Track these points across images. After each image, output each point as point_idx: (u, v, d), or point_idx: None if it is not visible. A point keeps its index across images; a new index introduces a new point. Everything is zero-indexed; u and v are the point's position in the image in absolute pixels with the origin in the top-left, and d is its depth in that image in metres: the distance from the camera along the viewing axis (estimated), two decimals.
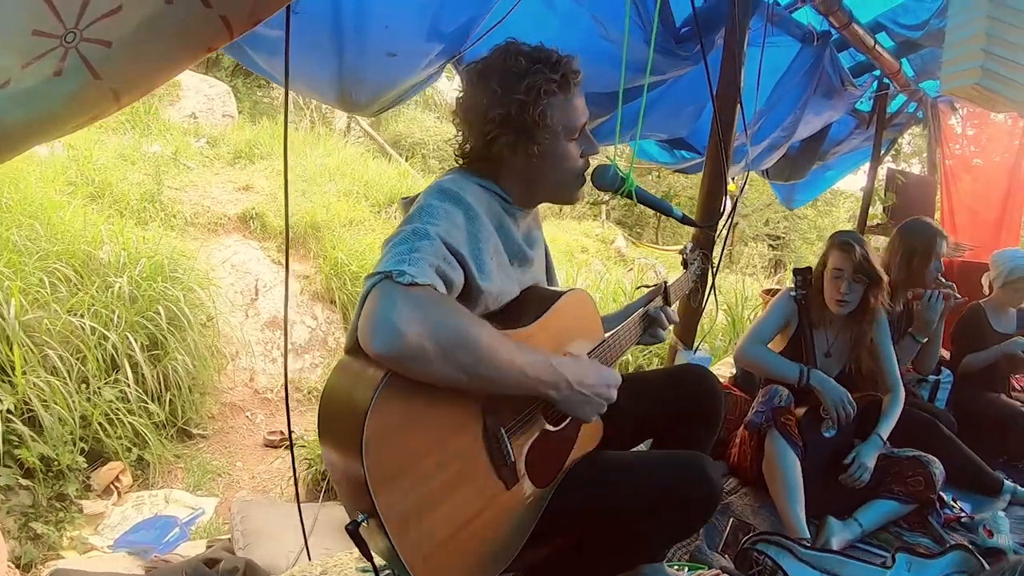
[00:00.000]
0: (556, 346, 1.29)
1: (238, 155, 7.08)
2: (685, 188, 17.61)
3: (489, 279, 1.17)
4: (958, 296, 2.78)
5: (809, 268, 2.43)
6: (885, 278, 2.29)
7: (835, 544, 2.05)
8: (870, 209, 4.52)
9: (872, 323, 2.34)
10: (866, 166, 4.79)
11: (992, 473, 2.59)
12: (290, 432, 1.35)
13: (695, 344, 2.46)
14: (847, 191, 19.14)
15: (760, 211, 18.20)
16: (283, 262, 5.42)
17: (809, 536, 2.01)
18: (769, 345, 2.42)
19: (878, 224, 4.49)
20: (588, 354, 1.34)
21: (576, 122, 1.28)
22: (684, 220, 1.56)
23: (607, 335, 1.44)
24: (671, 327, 1.64)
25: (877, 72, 3.73)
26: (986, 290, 3.25)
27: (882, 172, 4.59)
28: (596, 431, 1.43)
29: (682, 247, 1.88)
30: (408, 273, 0.96)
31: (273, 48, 1.75)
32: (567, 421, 1.29)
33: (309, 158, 7.59)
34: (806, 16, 2.89)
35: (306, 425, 4.18)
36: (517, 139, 1.22)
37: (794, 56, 3.01)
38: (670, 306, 1.66)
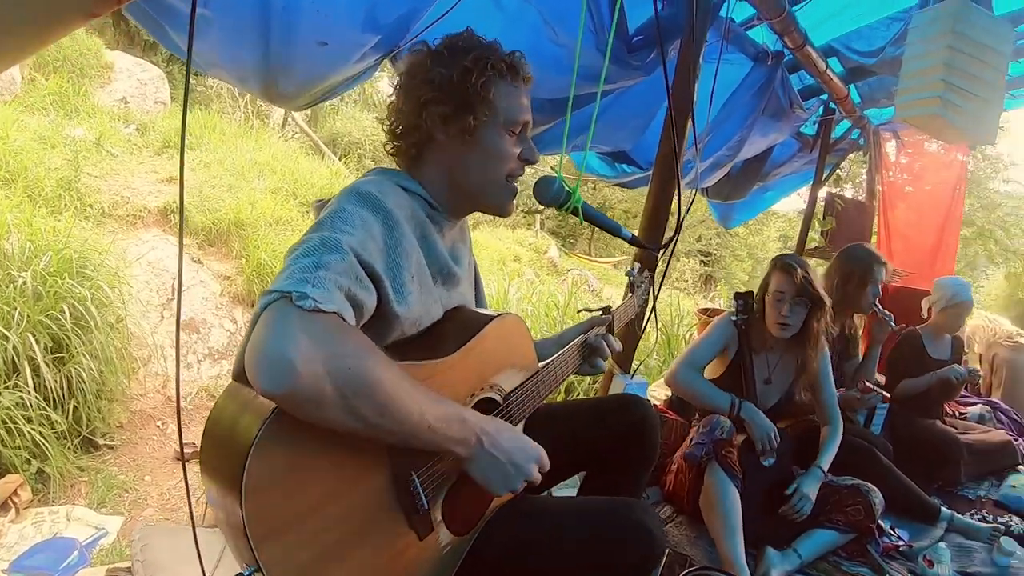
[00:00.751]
0: (480, 377, 1.15)
1: (166, 144, 6.66)
2: (620, 201, 17.87)
3: (406, 303, 1.02)
4: (893, 325, 2.81)
5: (750, 292, 2.38)
6: (828, 301, 2.24)
7: (774, 575, 1.98)
8: (808, 232, 4.56)
9: (815, 348, 2.28)
10: (802, 189, 4.87)
11: (929, 500, 2.59)
12: (182, 448, 1.14)
13: (632, 370, 2.36)
14: (779, 211, 19.95)
15: (693, 227, 18.61)
16: (204, 260, 5.11)
17: (748, 571, 1.92)
18: (708, 369, 2.36)
19: (816, 247, 4.54)
20: (519, 385, 1.21)
21: (518, 115, 1.15)
22: (633, 241, 1.45)
23: (541, 365, 1.30)
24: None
25: (824, 96, 3.76)
26: (924, 314, 3.29)
27: (820, 195, 4.66)
28: None
29: (628, 270, 1.77)
30: (311, 297, 0.82)
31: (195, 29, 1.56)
32: None
33: (239, 151, 7.21)
34: (761, 35, 2.86)
35: None
36: (454, 112, 1.10)
37: (745, 74, 2.98)
38: (613, 334, 1.55)
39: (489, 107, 1.11)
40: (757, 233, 19.91)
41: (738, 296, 2.36)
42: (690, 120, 2.13)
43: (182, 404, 4.13)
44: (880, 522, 2.27)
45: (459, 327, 1.14)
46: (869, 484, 2.25)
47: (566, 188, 1.28)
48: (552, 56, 2.11)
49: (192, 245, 5.16)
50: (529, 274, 9.28)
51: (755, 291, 2.37)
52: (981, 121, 2.20)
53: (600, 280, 10.13)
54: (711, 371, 2.38)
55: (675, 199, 1.95)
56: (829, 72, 3.16)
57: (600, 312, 1.56)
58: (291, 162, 7.74)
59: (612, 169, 3.77)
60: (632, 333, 2.32)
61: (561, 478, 1.53)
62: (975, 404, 3.76)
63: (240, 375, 0.85)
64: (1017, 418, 3.70)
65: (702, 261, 19.71)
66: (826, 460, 2.26)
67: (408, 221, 1.05)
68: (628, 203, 17.92)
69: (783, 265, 2.23)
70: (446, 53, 1.12)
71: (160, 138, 6.79)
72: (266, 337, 0.79)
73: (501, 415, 1.16)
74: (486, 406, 1.17)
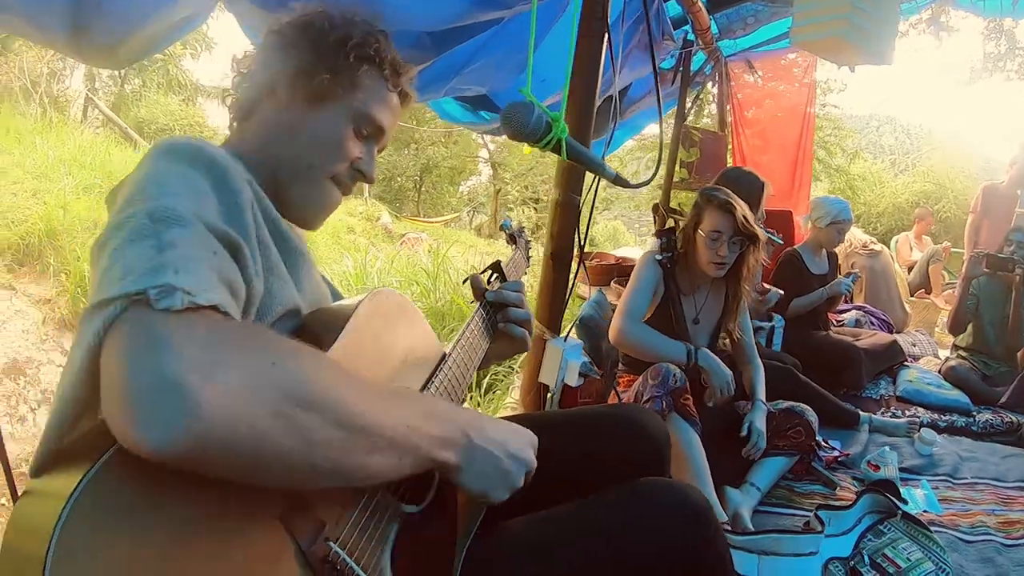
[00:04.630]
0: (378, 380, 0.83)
1: None
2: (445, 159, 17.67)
3: (260, 275, 0.73)
4: (780, 241, 2.86)
5: (672, 229, 2.26)
6: (764, 236, 2.16)
7: (745, 514, 1.93)
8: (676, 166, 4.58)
9: (749, 282, 2.21)
10: (646, 127, 4.83)
11: (846, 407, 2.69)
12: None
13: (565, 331, 2.14)
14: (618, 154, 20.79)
15: (522, 175, 18.95)
16: (16, 285, 4.21)
17: (726, 516, 1.83)
18: None
19: (682, 180, 4.59)
20: (430, 378, 0.92)
21: (375, 114, 0.92)
22: (617, 180, 1.21)
23: (448, 347, 0.99)
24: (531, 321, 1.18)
25: (686, 27, 3.73)
26: (804, 231, 3.42)
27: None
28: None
29: (503, 222, 1.52)
30: (180, 289, 0.55)
31: None
32: (430, 494, 0.84)
33: (40, 150, 6.10)
34: None
35: None
36: (311, 67, 0.87)
37: (623, 3, 2.82)
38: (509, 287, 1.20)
39: (350, 85, 0.89)
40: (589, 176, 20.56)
41: (660, 234, 2.23)
42: (607, 43, 1.91)
43: (24, 469, 3.39)
44: (818, 438, 2.29)
45: (324, 321, 0.82)
46: (801, 404, 2.26)
47: (546, 117, 1.02)
48: None
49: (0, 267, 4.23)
50: (365, 244, 8.73)
51: (675, 225, 2.26)
52: (881, 40, 2.21)
53: (435, 239, 9.81)
54: None
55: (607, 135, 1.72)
56: (699, 2, 3.11)
57: (488, 272, 1.22)
58: (101, 154, 6.69)
59: (475, 116, 3.47)
60: (552, 292, 2.11)
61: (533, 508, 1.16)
62: (848, 311, 4.03)
63: (42, 468, 0.57)
64: (885, 318, 4.02)
65: (534, 209, 20.13)
66: (763, 392, 2.23)
67: (236, 175, 0.74)
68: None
69: (720, 203, 2.07)
70: (338, 16, 0.92)
71: None
72: (132, 369, 0.51)
73: None
74: None
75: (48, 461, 0.57)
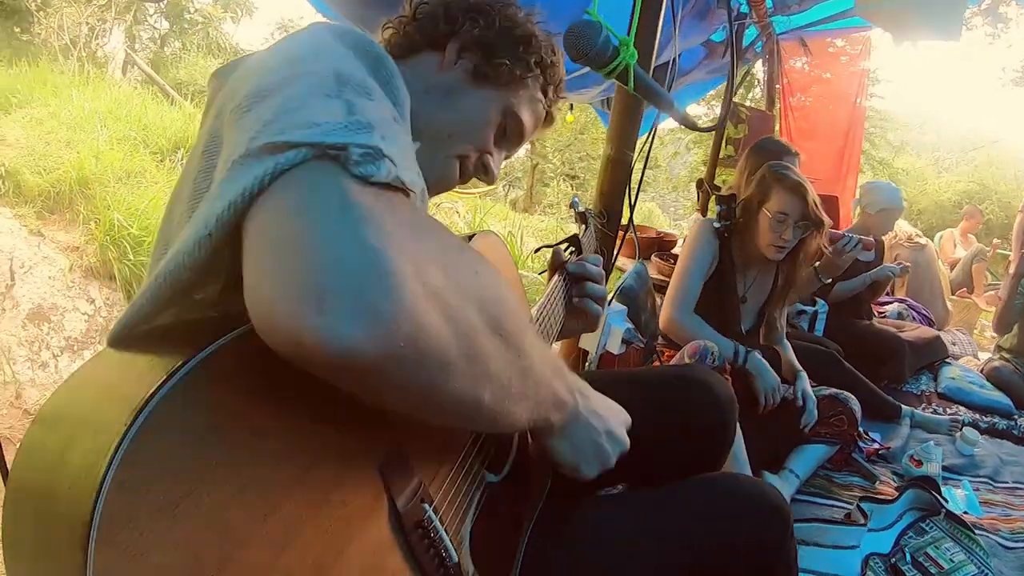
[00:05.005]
0: None
1: None
2: None
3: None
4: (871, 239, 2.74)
5: (733, 195, 2.12)
6: (829, 223, 2.04)
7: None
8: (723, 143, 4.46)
9: (806, 267, 2.09)
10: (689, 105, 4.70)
11: (889, 399, 2.58)
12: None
13: (609, 296, 2.07)
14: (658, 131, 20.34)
15: (560, 151, 18.66)
16: (45, 232, 4.20)
17: None
18: None
19: (729, 157, 4.46)
20: None
21: (524, 114, 0.87)
22: (685, 120, 1.12)
23: (533, 311, 0.92)
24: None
25: None
26: (854, 217, 3.29)
27: None
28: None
29: (573, 200, 1.43)
30: (388, 157, 0.43)
31: None
32: (508, 462, 0.78)
33: (76, 102, 6.10)
34: None
35: None
36: (491, 44, 0.82)
37: None
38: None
39: (518, 81, 0.84)
40: None
41: (722, 199, 2.08)
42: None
43: None
44: (860, 429, 2.19)
45: None
46: (845, 392, 2.15)
47: (614, 40, 0.93)
48: None
49: (30, 215, 4.22)
50: None
51: (735, 194, 2.13)
52: (949, 15, 2.07)
53: (469, 209, 9.74)
54: None
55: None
56: None
57: (564, 245, 1.16)
58: (137, 108, 6.62)
59: None
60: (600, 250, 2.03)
61: (604, 483, 1.09)
62: (891, 303, 3.89)
63: (125, 339, 0.45)
64: (926, 313, 3.86)
65: (571, 185, 19.83)
66: (798, 363, 2.12)
67: (402, 83, 0.63)
68: None
69: (792, 185, 1.93)
70: (523, 13, 0.87)
71: None
72: (325, 234, 0.38)
73: None
74: None
75: (129, 340, 0.45)
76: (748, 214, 2.02)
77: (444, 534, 0.60)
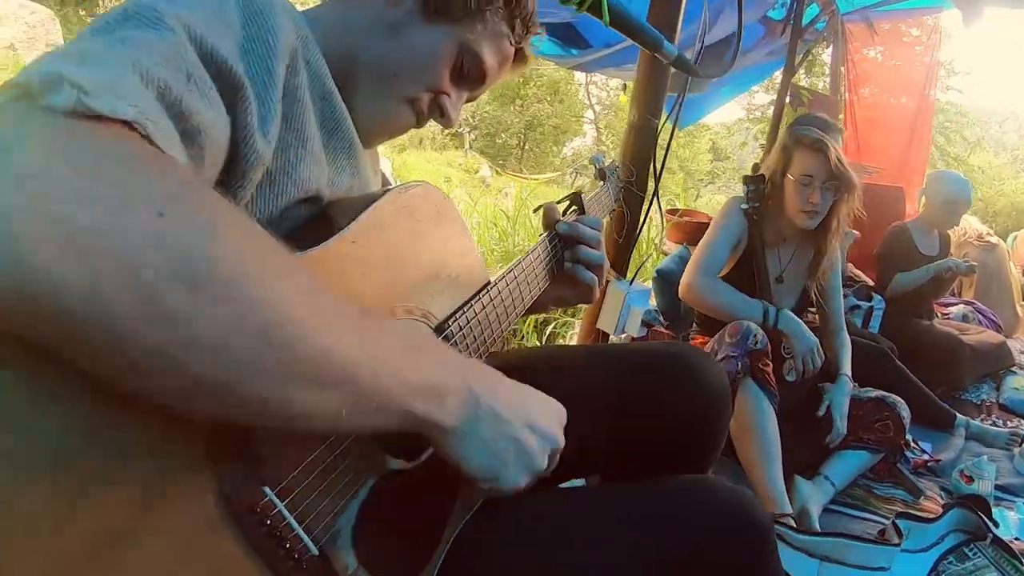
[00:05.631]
0: (386, 291, 0.64)
1: None
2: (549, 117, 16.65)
3: (270, 137, 0.55)
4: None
5: (762, 176, 1.98)
6: (859, 182, 1.87)
7: (814, 511, 1.67)
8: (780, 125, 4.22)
9: (837, 236, 1.92)
10: (743, 94, 4.49)
11: (944, 406, 2.36)
12: None
13: (631, 275, 1.93)
14: (708, 123, 19.76)
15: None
16: None
17: (792, 510, 1.60)
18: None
19: None
20: (461, 308, 0.72)
21: (484, 50, 0.76)
22: (679, 62, 0.98)
23: (496, 276, 0.79)
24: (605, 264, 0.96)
25: None
26: (919, 208, 3.05)
27: None
28: None
29: (594, 156, 1.29)
30: (80, 85, 0.38)
31: None
32: (428, 450, 0.65)
33: None
34: None
35: None
36: None
37: None
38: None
39: (474, 14, 0.73)
40: (688, 146, 19.84)
41: (748, 180, 1.95)
42: None
43: None
44: (908, 437, 2.00)
45: (345, 214, 0.63)
46: (893, 396, 1.96)
47: None
48: None
49: None
50: (461, 195, 8.61)
51: (764, 172, 1.98)
52: None
53: (534, 198, 9.63)
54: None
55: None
56: None
57: (566, 203, 1.02)
58: None
59: (563, 50, 3.42)
60: (621, 225, 1.89)
61: (565, 475, 0.97)
62: (955, 304, 3.61)
63: None
64: (994, 318, 3.57)
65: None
66: (848, 367, 1.95)
67: (280, 18, 0.57)
68: None
69: (812, 142, 1.80)
70: None
71: None
72: None
73: None
74: None
75: None
76: (775, 187, 1.91)
77: (294, 523, 0.50)
